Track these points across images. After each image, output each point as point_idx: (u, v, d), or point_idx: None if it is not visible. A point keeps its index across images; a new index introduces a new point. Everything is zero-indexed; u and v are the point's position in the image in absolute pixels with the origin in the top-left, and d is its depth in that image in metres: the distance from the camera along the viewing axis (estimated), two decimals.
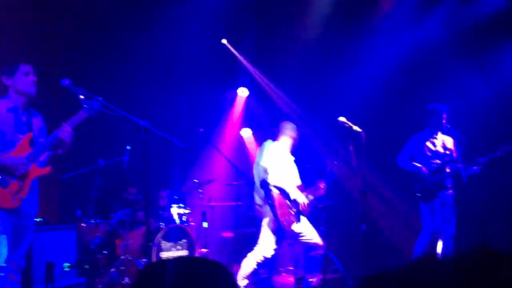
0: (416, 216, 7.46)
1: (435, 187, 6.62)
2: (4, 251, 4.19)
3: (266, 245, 5.93)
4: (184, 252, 7.09)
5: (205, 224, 7.52)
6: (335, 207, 8.00)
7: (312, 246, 5.97)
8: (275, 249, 5.92)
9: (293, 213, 5.88)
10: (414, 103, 7.73)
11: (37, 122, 4.56)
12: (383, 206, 8.54)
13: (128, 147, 7.03)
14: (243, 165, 7.96)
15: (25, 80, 4.37)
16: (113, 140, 7.70)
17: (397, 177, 7.38)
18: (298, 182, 6.21)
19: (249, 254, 6.02)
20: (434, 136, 6.83)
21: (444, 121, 6.69)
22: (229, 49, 9.35)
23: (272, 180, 5.95)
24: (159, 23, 8.15)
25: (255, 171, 6.99)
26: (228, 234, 8.38)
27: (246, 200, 7.85)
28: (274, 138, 7.01)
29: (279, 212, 5.83)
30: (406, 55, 8.13)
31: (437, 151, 6.79)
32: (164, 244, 6.94)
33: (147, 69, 8.53)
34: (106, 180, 7.28)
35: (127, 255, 6.72)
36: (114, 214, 7.56)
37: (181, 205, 7.60)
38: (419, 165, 6.72)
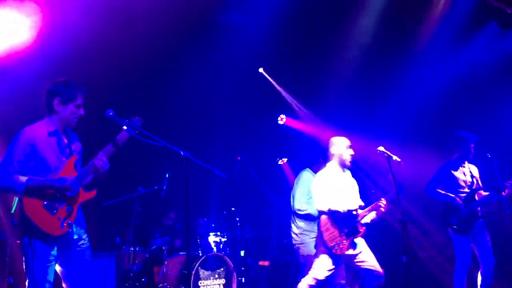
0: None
1: (470, 217, 6.50)
2: (51, 285, 4.13)
3: (318, 267, 5.72)
4: (222, 281, 7.08)
5: (242, 253, 7.51)
6: (373, 238, 7.90)
7: (373, 273, 5.70)
8: (330, 271, 5.68)
9: (345, 237, 5.66)
10: (455, 130, 7.66)
11: (76, 145, 4.46)
12: (420, 236, 8.40)
13: (167, 175, 7.13)
14: (281, 194, 7.95)
15: (74, 112, 4.28)
16: (152, 168, 7.80)
17: (433, 206, 7.26)
18: (355, 202, 5.89)
19: (302, 279, 5.85)
20: (462, 165, 6.77)
21: (471, 150, 6.65)
22: (266, 78, 9.43)
23: (319, 206, 5.80)
24: (199, 53, 8.29)
25: (292, 200, 7.00)
26: (264, 263, 8.34)
27: (283, 228, 7.83)
28: (312, 166, 7.02)
29: (326, 236, 5.66)
30: (447, 81, 8.08)
31: (465, 181, 6.71)
32: (202, 272, 6.94)
33: (185, 98, 8.65)
34: (145, 208, 7.36)
35: (165, 283, 6.75)
36: (153, 240, 7.63)
37: (218, 233, 7.62)
38: (452, 195, 6.61)
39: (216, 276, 7.06)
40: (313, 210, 6.80)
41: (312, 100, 9.33)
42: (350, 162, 5.99)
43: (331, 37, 8.67)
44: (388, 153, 5.49)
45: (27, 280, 4.10)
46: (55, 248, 4.16)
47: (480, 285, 6.54)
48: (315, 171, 6.97)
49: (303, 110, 9.55)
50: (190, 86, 8.59)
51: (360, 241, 5.81)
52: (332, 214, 5.72)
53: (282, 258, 8.41)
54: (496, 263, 6.49)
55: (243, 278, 7.46)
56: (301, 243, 6.77)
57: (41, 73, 6.35)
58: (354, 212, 5.76)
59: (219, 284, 7.06)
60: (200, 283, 6.89)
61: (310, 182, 6.87)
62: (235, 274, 7.16)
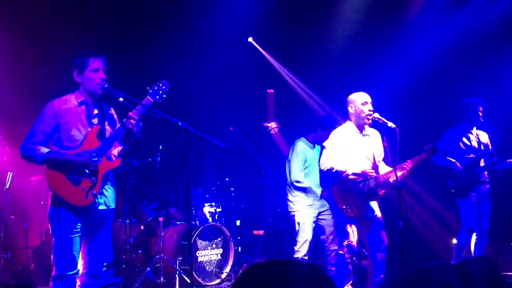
0: (449, 213, 7.38)
1: (469, 182, 6.54)
2: (77, 255, 4.11)
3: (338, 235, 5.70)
4: (219, 251, 7.12)
5: (237, 222, 7.54)
6: None
7: (381, 242, 5.57)
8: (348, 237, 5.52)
9: (360, 200, 5.48)
10: (447, 98, 7.66)
11: (109, 115, 4.43)
12: (415, 202, 8.46)
13: (160, 147, 7.09)
14: (274, 163, 7.95)
15: (92, 78, 4.22)
16: (145, 141, 7.73)
17: (429, 173, 7.30)
18: (368, 164, 5.60)
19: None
20: (470, 131, 6.75)
21: (480, 114, 6.62)
22: (256, 47, 9.36)
23: (323, 165, 5.57)
24: (185, 22, 8.19)
25: (288, 171, 6.98)
26: (259, 232, 8.40)
27: (277, 198, 7.86)
28: (304, 135, 7.00)
29: (337, 198, 5.53)
30: (439, 49, 8.04)
31: (471, 146, 6.70)
32: (200, 242, 6.98)
33: (174, 69, 8.56)
34: (140, 180, 7.34)
35: (162, 254, 6.78)
36: (149, 213, 7.63)
37: (213, 203, 7.63)
38: (453, 160, 6.65)
39: (214, 246, 7.11)
40: (309, 183, 6.80)
41: (303, 70, 9.27)
42: (369, 119, 5.56)
43: (322, 6, 8.58)
44: (383, 119, 5.47)
45: (53, 250, 4.09)
46: (81, 220, 4.12)
47: (474, 249, 6.65)
48: (311, 140, 6.96)
49: (294, 79, 9.50)
50: (179, 56, 8.49)
51: (375, 206, 5.65)
52: (340, 175, 5.52)
53: (277, 227, 8.47)
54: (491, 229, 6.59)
55: (239, 248, 7.51)
56: (297, 210, 6.79)
57: None
58: (373, 174, 5.52)
59: (217, 254, 7.11)
60: (198, 253, 6.93)
61: (305, 152, 6.87)
62: (232, 243, 7.20)
